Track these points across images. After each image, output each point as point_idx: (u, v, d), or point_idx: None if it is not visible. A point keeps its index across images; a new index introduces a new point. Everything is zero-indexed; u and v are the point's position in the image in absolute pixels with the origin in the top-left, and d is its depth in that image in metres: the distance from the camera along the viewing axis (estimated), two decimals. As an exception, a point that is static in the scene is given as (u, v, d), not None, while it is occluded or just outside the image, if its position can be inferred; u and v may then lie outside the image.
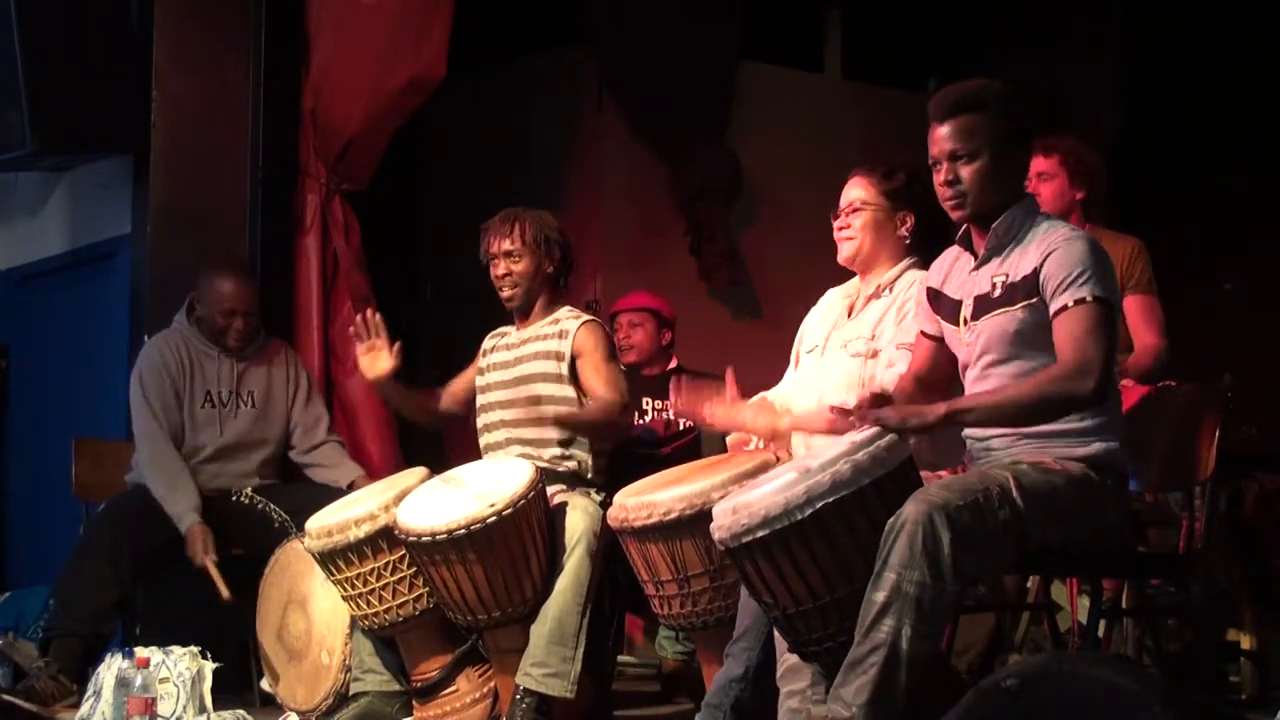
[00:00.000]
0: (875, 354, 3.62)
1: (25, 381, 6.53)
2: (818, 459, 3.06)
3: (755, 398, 3.83)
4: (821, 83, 7.52)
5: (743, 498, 3.12)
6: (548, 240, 4.36)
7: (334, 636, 4.36)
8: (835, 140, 6.91)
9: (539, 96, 7.03)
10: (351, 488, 4.84)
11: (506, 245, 4.34)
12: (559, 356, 4.30)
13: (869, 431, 3.08)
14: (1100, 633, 3.98)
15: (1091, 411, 3.17)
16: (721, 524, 3.12)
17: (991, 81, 3.30)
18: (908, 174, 3.70)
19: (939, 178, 3.27)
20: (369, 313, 4.52)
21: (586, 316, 4.37)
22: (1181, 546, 3.66)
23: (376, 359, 4.49)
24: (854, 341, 3.68)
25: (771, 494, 3.04)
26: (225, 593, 4.61)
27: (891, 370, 3.56)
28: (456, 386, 4.60)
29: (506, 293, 4.37)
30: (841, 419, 3.14)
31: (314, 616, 4.42)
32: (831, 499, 2.99)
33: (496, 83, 6.92)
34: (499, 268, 4.36)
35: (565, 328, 4.33)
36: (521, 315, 4.43)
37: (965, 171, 3.23)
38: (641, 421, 5.51)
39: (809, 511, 2.99)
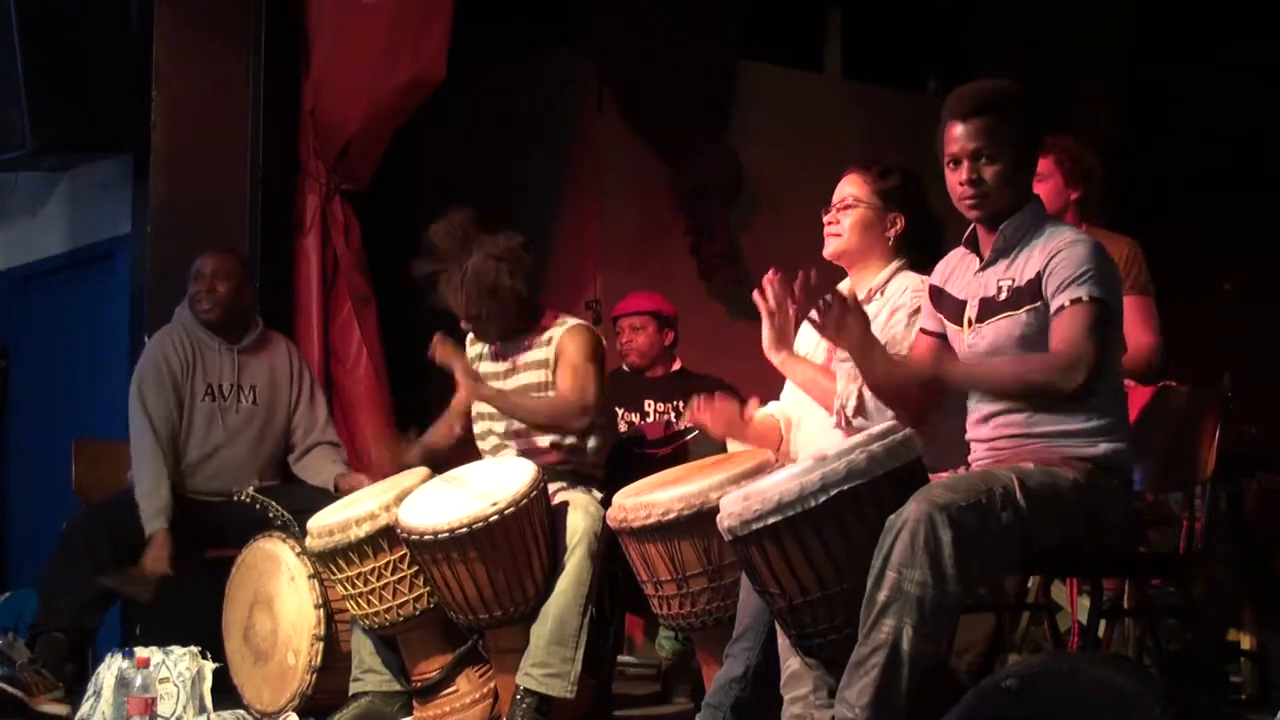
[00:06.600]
0: None
1: (25, 381, 6.54)
2: (834, 449, 3.09)
3: (759, 412, 3.82)
4: (821, 83, 7.52)
5: (754, 486, 3.13)
6: (486, 274, 4.25)
7: (300, 638, 4.35)
8: (835, 140, 6.89)
9: (539, 96, 7.02)
10: (337, 489, 4.82)
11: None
12: (545, 364, 4.29)
13: (884, 424, 3.12)
14: (1100, 633, 3.98)
15: (1099, 412, 3.17)
16: (732, 511, 3.12)
17: (1011, 84, 3.30)
18: (902, 175, 3.69)
19: (959, 176, 3.23)
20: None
21: (573, 321, 4.33)
22: (1181, 546, 3.65)
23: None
24: None
25: (786, 480, 3.06)
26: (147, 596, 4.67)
27: None
28: (457, 406, 4.52)
29: (464, 325, 4.38)
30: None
31: (280, 617, 4.41)
32: (846, 486, 3.01)
33: (496, 83, 6.92)
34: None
35: (552, 335, 4.31)
36: (499, 337, 4.36)
37: (989, 172, 3.21)
38: (641, 422, 5.51)
39: (823, 498, 3.00)
